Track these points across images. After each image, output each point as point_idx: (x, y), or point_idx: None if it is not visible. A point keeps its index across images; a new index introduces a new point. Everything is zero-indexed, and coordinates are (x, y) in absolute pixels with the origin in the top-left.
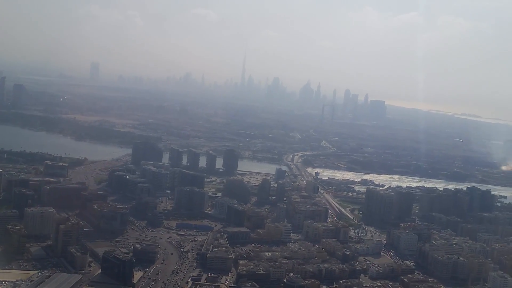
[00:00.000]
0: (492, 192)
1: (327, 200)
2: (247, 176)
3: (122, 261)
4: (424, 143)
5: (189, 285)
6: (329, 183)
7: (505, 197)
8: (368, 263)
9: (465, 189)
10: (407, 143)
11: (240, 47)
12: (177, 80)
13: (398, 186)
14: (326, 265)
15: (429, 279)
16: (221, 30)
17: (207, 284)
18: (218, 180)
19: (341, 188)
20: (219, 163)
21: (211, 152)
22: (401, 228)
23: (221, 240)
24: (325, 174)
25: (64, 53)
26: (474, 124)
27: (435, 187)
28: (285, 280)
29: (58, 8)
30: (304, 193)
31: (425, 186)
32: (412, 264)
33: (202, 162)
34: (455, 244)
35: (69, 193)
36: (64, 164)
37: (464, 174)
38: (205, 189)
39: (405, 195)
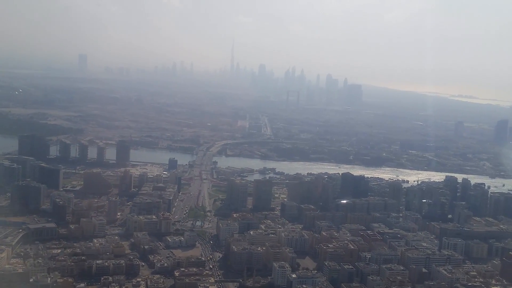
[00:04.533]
0: (399, 177)
1: (200, 190)
2: (139, 167)
3: None
4: (377, 127)
5: None
6: (219, 172)
7: (407, 181)
8: (167, 256)
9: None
10: (357, 128)
11: (227, 36)
12: (165, 70)
13: (297, 173)
14: (99, 261)
15: (204, 272)
16: (193, 17)
17: None
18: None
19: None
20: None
21: (100, 143)
22: (230, 218)
23: (9, 238)
24: (231, 163)
25: (52, 45)
26: (462, 105)
27: (337, 173)
28: (31, 280)
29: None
30: (160, 184)
31: (328, 172)
32: (220, 255)
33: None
34: (272, 233)
35: None
36: None
37: (387, 158)
38: (73, 182)
39: (263, 183)
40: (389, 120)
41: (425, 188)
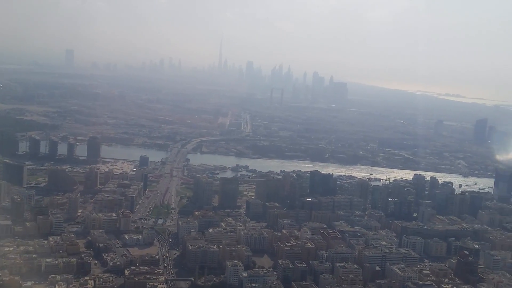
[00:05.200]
0: (373, 176)
1: (168, 187)
2: (109, 164)
3: None
4: (358, 125)
5: None
6: (190, 169)
7: (379, 180)
8: (122, 255)
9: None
10: (338, 126)
11: (215, 33)
12: (153, 66)
13: (269, 171)
14: (49, 260)
15: (156, 271)
16: (181, 14)
17: None
18: (68, 169)
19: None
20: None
21: (71, 140)
22: (191, 216)
23: None
24: (206, 160)
25: (39, 40)
26: (447, 104)
27: (310, 171)
28: None
29: None
30: (125, 182)
31: (301, 170)
32: (176, 254)
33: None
34: (231, 231)
35: None
36: None
37: (363, 156)
38: (39, 179)
39: (229, 181)
40: (372, 118)
41: (392, 187)
